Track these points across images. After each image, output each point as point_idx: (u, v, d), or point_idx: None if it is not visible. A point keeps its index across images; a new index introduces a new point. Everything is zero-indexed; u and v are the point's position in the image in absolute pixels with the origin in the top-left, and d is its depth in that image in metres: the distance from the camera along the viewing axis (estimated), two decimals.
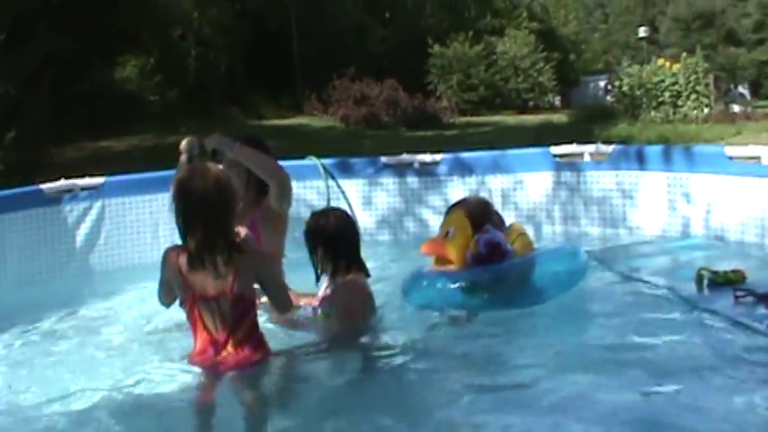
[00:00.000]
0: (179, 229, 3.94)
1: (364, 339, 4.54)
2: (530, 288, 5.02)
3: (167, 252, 4.00)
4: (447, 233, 5.14)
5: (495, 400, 3.71)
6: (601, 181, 7.35)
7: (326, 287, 4.69)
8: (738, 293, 4.85)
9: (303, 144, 16.78)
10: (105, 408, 3.75)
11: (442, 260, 5.17)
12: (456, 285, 4.95)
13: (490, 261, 5.00)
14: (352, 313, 4.60)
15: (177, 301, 4.03)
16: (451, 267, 5.10)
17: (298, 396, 3.98)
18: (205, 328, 3.92)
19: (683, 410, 3.40)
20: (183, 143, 4.89)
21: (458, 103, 31.86)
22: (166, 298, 4.11)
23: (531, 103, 36.66)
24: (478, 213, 5.28)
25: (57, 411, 3.75)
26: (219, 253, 3.85)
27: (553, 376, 3.90)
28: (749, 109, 26.33)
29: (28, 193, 6.84)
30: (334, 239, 4.69)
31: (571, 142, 7.78)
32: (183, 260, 3.89)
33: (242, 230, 4.11)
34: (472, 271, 5.01)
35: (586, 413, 3.42)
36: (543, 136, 19.12)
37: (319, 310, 4.65)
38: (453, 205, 5.48)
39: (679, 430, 3.26)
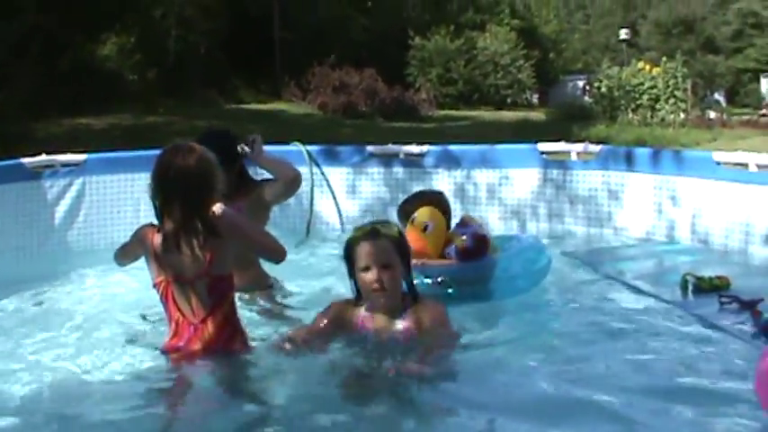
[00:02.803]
0: (155, 208, 3.76)
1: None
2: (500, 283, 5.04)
3: (143, 229, 3.85)
4: (425, 227, 5.06)
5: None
6: (588, 180, 7.29)
7: (404, 317, 3.97)
8: (723, 300, 4.84)
9: (281, 130, 16.72)
10: (71, 392, 3.62)
11: (416, 254, 5.02)
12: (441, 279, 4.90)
13: (476, 254, 5.02)
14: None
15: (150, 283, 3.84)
16: (433, 262, 5.04)
17: (276, 389, 3.72)
18: (179, 310, 3.72)
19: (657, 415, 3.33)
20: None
21: (436, 97, 31.85)
22: (123, 259, 4.03)
23: (509, 100, 36.77)
24: (447, 209, 5.35)
25: (14, 391, 3.58)
26: (196, 235, 3.66)
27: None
28: (725, 116, 26.43)
29: (9, 167, 6.68)
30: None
31: (558, 140, 7.74)
32: (157, 240, 3.71)
33: (217, 206, 3.76)
34: (461, 266, 5.00)
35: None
36: (521, 133, 19.20)
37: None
38: (412, 200, 5.39)
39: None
